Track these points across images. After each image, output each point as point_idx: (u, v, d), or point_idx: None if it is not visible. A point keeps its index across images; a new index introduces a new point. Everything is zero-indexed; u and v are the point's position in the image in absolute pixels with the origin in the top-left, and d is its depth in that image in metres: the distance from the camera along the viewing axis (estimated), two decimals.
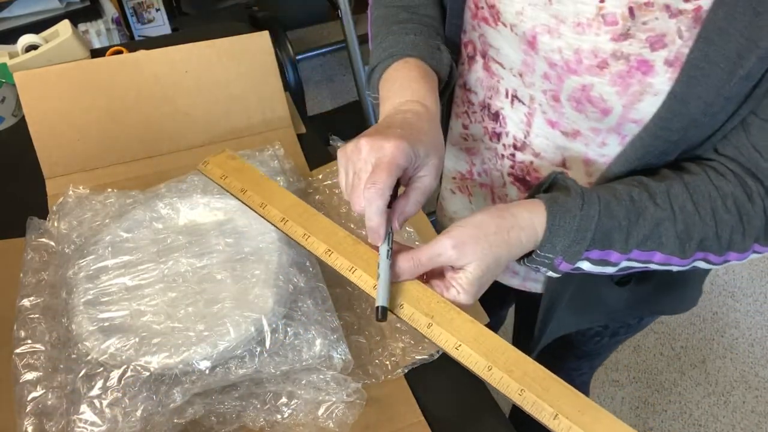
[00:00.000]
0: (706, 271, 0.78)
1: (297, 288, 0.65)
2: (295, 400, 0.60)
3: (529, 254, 0.53)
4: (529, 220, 0.51)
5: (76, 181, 0.80)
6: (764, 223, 0.53)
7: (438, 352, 0.68)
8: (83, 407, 0.54)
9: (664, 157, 0.55)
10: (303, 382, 0.61)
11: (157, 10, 2.01)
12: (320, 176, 0.87)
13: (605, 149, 0.58)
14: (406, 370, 0.67)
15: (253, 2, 2.46)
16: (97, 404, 0.55)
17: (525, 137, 0.64)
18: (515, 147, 0.66)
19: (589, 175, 0.62)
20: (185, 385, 0.57)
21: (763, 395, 1.65)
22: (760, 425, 1.60)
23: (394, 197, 0.51)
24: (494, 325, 1.18)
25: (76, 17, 1.68)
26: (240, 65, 0.92)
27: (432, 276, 0.52)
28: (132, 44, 1.39)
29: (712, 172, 0.53)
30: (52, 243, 0.73)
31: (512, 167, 0.68)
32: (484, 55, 0.63)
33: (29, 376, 0.60)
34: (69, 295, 0.63)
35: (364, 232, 0.55)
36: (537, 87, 0.59)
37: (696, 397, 1.65)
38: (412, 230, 0.79)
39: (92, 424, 0.54)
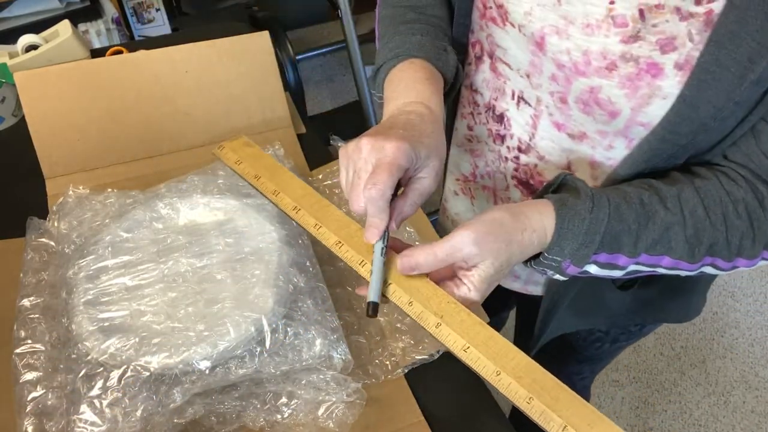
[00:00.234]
0: (711, 280, 0.77)
1: (297, 288, 0.65)
2: (295, 400, 0.60)
3: (536, 256, 0.52)
4: (540, 222, 0.50)
5: (76, 181, 0.80)
6: None
7: (438, 352, 0.68)
8: (83, 407, 0.54)
9: (672, 161, 0.54)
10: (303, 382, 0.61)
11: (157, 10, 2.01)
12: (320, 176, 0.87)
13: (612, 152, 0.58)
14: (406, 370, 0.67)
15: (253, 2, 2.46)
16: (97, 404, 0.55)
17: (530, 139, 0.64)
18: (519, 149, 0.65)
19: (595, 179, 0.61)
20: (185, 385, 0.57)
21: (763, 395, 1.65)
22: (760, 425, 1.60)
23: (393, 197, 0.51)
24: (495, 327, 1.17)
25: (76, 17, 1.68)
26: (240, 65, 0.92)
27: (440, 276, 0.52)
28: (132, 44, 1.39)
29: (723, 177, 0.53)
30: (52, 243, 0.73)
31: (516, 170, 0.67)
32: (491, 56, 0.63)
33: (29, 376, 0.60)
34: (69, 295, 0.63)
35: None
36: (544, 88, 0.58)
37: (696, 397, 1.65)
38: (412, 230, 0.79)
39: (92, 424, 0.54)
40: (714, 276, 0.73)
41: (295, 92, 1.94)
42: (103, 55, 0.99)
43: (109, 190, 0.76)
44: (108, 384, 0.55)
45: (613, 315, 0.75)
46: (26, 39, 1.00)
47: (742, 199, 0.52)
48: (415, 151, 0.49)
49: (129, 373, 0.56)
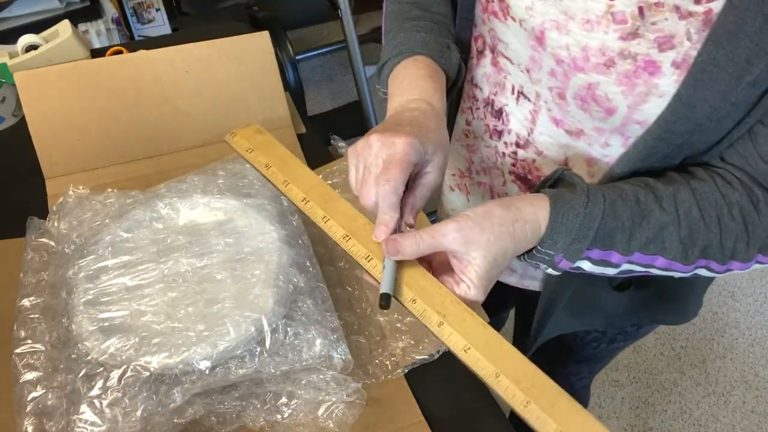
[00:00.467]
0: (708, 283, 0.77)
1: (297, 288, 0.65)
2: (295, 400, 0.60)
3: (529, 250, 0.52)
4: (533, 214, 0.50)
5: (76, 181, 0.80)
6: None
7: (438, 352, 0.68)
8: (83, 407, 0.54)
9: (668, 160, 0.54)
10: (303, 382, 0.61)
11: (157, 10, 2.01)
12: (320, 176, 0.87)
13: (608, 150, 0.58)
14: (406, 370, 0.67)
15: (253, 2, 2.46)
16: (97, 404, 0.55)
17: (528, 134, 0.64)
18: (518, 145, 0.65)
19: (592, 176, 0.61)
20: (185, 385, 0.57)
21: (763, 395, 1.65)
22: (760, 425, 1.60)
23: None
24: (495, 327, 1.18)
25: (76, 17, 1.68)
26: (240, 65, 0.92)
27: (442, 271, 0.52)
28: (132, 44, 1.39)
29: (719, 180, 0.53)
30: (52, 243, 0.73)
31: (513, 165, 0.67)
32: (493, 50, 0.63)
33: (29, 376, 0.60)
34: (69, 295, 0.63)
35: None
36: (543, 84, 0.58)
37: (696, 397, 1.65)
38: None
39: (92, 424, 0.54)
40: (711, 279, 0.73)
41: (295, 92, 1.94)
42: (103, 55, 1.00)
43: (109, 190, 0.76)
44: (108, 384, 0.55)
45: (610, 316, 0.75)
46: (26, 39, 1.00)
47: (737, 202, 0.52)
48: (422, 146, 0.50)
49: (129, 373, 0.56)
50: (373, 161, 0.50)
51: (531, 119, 0.63)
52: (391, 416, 0.63)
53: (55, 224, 0.73)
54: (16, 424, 0.57)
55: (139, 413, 0.54)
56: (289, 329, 0.61)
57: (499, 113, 0.66)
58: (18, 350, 0.62)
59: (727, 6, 0.45)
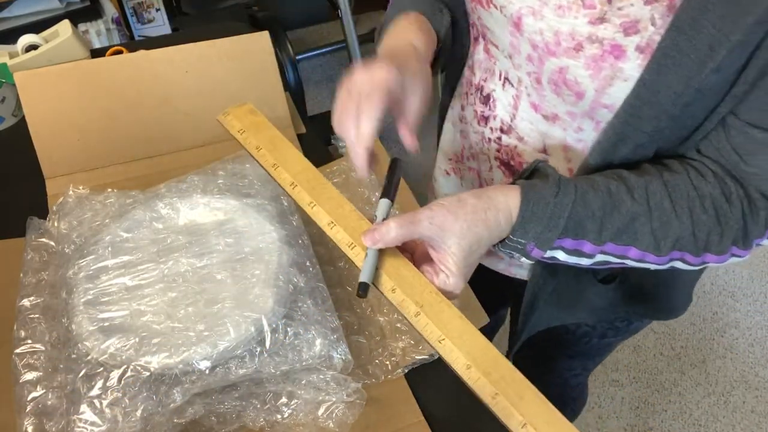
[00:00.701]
0: (695, 277, 0.78)
1: (297, 288, 0.65)
2: (295, 400, 0.60)
3: (503, 240, 0.54)
4: (505, 203, 0.51)
5: (76, 181, 0.80)
6: (742, 226, 0.53)
7: None
8: (83, 407, 0.54)
9: (641, 151, 0.55)
10: (303, 382, 0.61)
11: (157, 10, 2.01)
12: (325, 178, 0.87)
13: (582, 134, 0.60)
14: (406, 370, 0.67)
15: (253, 2, 2.45)
16: (97, 404, 0.55)
17: (511, 120, 0.65)
18: (502, 130, 0.67)
19: (569, 161, 0.63)
20: (185, 385, 0.57)
21: (763, 395, 1.65)
22: (760, 425, 1.60)
23: (390, 191, 0.55)
24: (494, 325, 1.18)
25: (76, 17, 1.67)
26: (240, 65, 0.92)
27: (423, 262, 0.53)
28: (132, 44, 1.39)
29: (693, 172, 0.54)
30: (52, 243, 0.73)
31: (498, 150, 0.69)
32: (483, 37, 0.66)
33: (29, 376, 0.60)
34: (69, 295, 0.63)
35: (368, 208, 0.56)
36: (523, 69, 0.60)
37: (696, 397, 1.65)
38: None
39: (92, 424, 0.54)
40: (698, 274, 0.75)
41: (295, 92, 1.94)
42: (103, 55, 1.00)
43: (109, 190, 0.76)
44: (108, 384, 0.55)
45: (597, 309, 0.76)
46: (26, 39, 1.00)
47: (709, 194, 0.53)
48: (401, 74, 0.53)
49: (129, 373, 0.56)
50: (354, 87, 0.52)
51: (514, 104, 0.64)
52: (391, 416, 0.63)
53: (55, 224, 0.73)
54: (16, 424, 0.57)
55: (139, 413, 0.54)
56: (289, 329, 0.61)
57: (486, 99, 0.68)
58: (18, 350, 0.62)
59: None
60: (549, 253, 0.54)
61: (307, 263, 0.69)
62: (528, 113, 0.63)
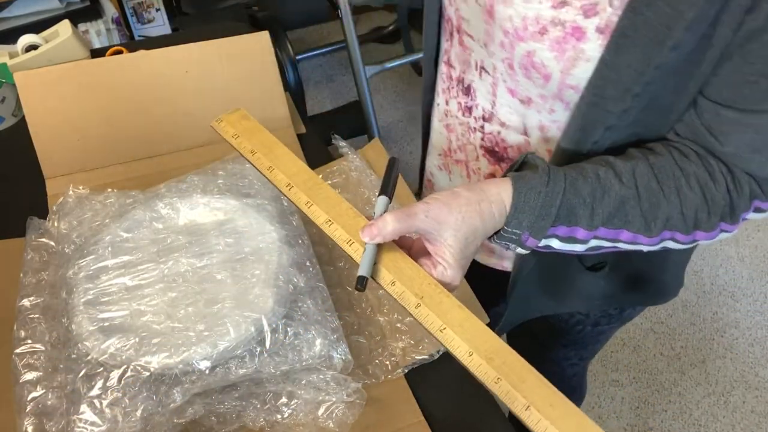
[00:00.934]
0: (685, 260, 0.79)
1: (297, 288, 0.65)
2: (295, 400, 0.60)
3: (498, 231, 0.54)
4: (498, 195, 0.52)
5: (76, 181, 0.80)
6: (728, 201, 0.55)
7: (438, 352, 0.68)
8: (83, 407, 0.55)
9: (613, 134, 0.56)
10: (303, 382, 0.61)
11: (157, 10, 2.01)
12: (320, 176, 0.87)
13: (555, 116, 0.61)
14: (406, 370, 0.67)
15: (253, 2, 2.45)
16: (97, 404, 0.55)
17: (492, 107, 0.67)
18: (484, 118, 0.69)
19: (546, 141, 0.64)
20: (185, 385, 0.57)
21: (763, 395, 1.65)
22: (760, 425, 1.60)
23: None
24: (493, 321, 1.18)
25: (76, 17, 1.68)
26: (240, 65, 0.92)
27: (420, 256, 0.54)
28: (132, 44, 1.39)
29: (676, 153, 0.55)
30: (52, 243, 0.73)
31: (482, 139, 0.71)
32: (459, 30, 0.67)
33: (29, 376, 0.60)
34: (69, 295, 0.63)
35: (368, 208, 0.56)
36: (497, 56, 0.62)
37: (696, 397, 1.65)
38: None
39: (92, 424, 0.54)
40: (687, 257, 0.77)
41: (295, 92, 1.94)
42: (103, 55, 0.99)
43: (109, 190, 0.76)
44: (108, 384, 0.55)
45: (589, 298, 0.77)
46: (26, 39, 1.00)
47: (693, 173, 0.54)
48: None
49: (129, 373, 0.56)
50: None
51: (492, 92, 0.66)
52: (391, 416, 0.63)
53: (55, 224, 0.73)
54: (16, 424, 0.57)
55: (139, 413, 0.54)
56: (289, 329, 0.61)
57: (468, 90, 0.69)
58: (18, 350, 0.62)
59: None
60: (544, 242, 0.55)
61: (307, 263, 0.69)
62: (506, 99, 0.65)
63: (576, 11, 0.52)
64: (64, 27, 1.02)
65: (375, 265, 0.52)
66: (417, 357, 0.67)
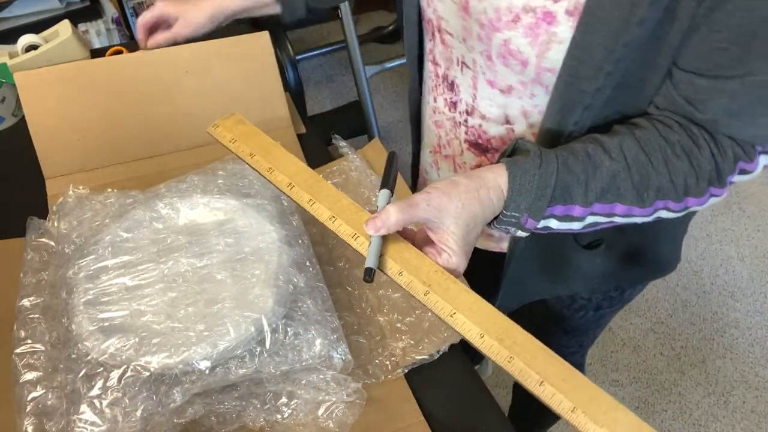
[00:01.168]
0: (681, 232, 0.80)
1: (297, 288, 0.65)
2: (295, 400, 0.60)
3: (497, 217, 0.55)
4: (494, 180, 0.53)
5: (76, 181, 0.80)
6: (714, 166, 0.56)
7: (438, 351, 0.68)
8: (83, 407, 0.54)
9: (589, 114, 0.58)
10: (303, 382, 0.61)
11: None
12: (320, 176, 0.87)
13: (536, 100, 0.63)
14: (406, 370, 0.67)
15: None
16: (97, 404, 0.55)
17: (473, 101, 0.69)
18: (467, 112, 0.71)
19: (531, 126, 0.66)
20: (185, 385, 0.57)
21: (763, 395, 1.65)
22: (760, 425, 1.60)
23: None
24: None
25: (76, 17, 1.67)
26: (240, 65, 0.92)
27: (424, 245, 0.55)
28: (132, 44, 1.38)
29: (659, 125, 0.57)
30: (52, 243, 0.73)
31: (466, 133, 0.72)
32: (439, 30, 0.68)
33: (29, 376, 0.60)
34: (69, 295, 0.63)
35: (367, 207, 0.57)
36: (476, 50, 0.64)
37: (696, 397, 1.65)
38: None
39: (92, 424, 0.54)
40: (684, 228, 0.79)
41: (295, 92, 1.94)
42: (103, 55, 0.99)
43: (109, 190, 0.76)
44: (108, 384, 0.55)
45: (589, 278, 0.78)
46: (26, 39, 1.00)
47: (678, 142, 0.56)
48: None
49: (129, 373, 0.56)
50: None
51: (473, 85, 0.68)
52: (391, 416, 0.63)
53: (55, 224, 0.73)
54: (16, 424, 0.57)
55: (139, 413, 0.54)
56: (289, 329, 0.61)
57: (452, 86, 0.71)
58: (18, 350, 0.62)
59: None
60: (542, 223, 0.56)
61: (307, 263, 0.69)
62: (486, 91, 0.66)
63: None
64: (64, 27, 1.02)
65: (381, 256, 0.52)
66: (417, 357, 0.67)
